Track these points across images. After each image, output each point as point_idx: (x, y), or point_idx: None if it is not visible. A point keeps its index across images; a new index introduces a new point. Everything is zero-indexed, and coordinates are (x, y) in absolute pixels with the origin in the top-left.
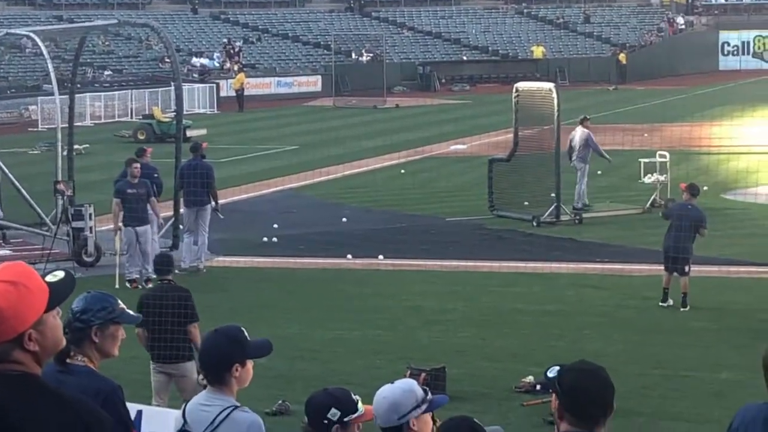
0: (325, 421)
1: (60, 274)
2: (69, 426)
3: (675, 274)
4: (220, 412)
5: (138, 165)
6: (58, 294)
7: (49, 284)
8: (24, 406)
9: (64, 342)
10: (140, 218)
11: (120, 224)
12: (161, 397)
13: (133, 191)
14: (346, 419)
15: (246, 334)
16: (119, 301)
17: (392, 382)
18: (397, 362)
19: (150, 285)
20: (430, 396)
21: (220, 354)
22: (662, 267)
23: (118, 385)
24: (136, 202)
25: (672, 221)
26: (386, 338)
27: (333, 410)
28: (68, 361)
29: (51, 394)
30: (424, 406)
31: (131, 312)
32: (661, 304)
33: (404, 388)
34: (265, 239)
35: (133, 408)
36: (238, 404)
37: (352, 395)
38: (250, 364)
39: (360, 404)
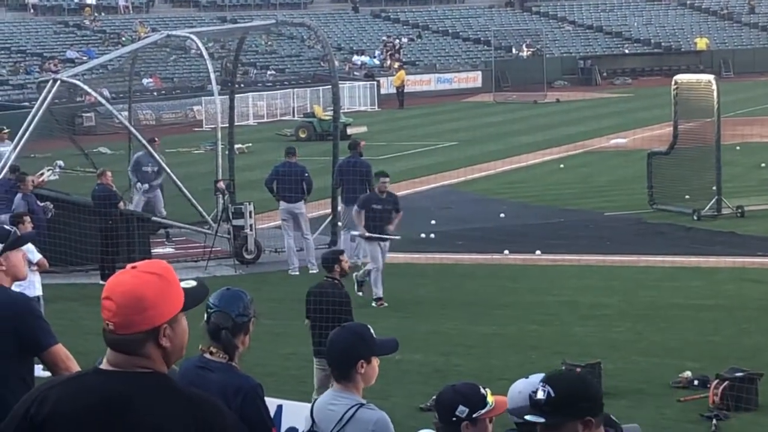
0: (454, 419)
1: (193, 282)
2: (188, 422)
3: None
4: (347, 411)
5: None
6: (191, 298)
7: (184, 289)
8: (151, 404)
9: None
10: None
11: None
12: (323, 392)
13: None
14: (474, 415)
15: (372, 331)
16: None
17: (526, 377)
18: (552, 357)
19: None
20: None
21: (346, 350)
22: None
23: (258, 383)
24: None
25: None
26: (541, 333)
27: (461, 407)
28: (208, 357)
29: (178, 393)
30: None
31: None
32: None
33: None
34: (423, 235)
35: (273, 403)
36: (364, 401)
37: (481, 389)
38: (375, 361)
39: (489, 397)
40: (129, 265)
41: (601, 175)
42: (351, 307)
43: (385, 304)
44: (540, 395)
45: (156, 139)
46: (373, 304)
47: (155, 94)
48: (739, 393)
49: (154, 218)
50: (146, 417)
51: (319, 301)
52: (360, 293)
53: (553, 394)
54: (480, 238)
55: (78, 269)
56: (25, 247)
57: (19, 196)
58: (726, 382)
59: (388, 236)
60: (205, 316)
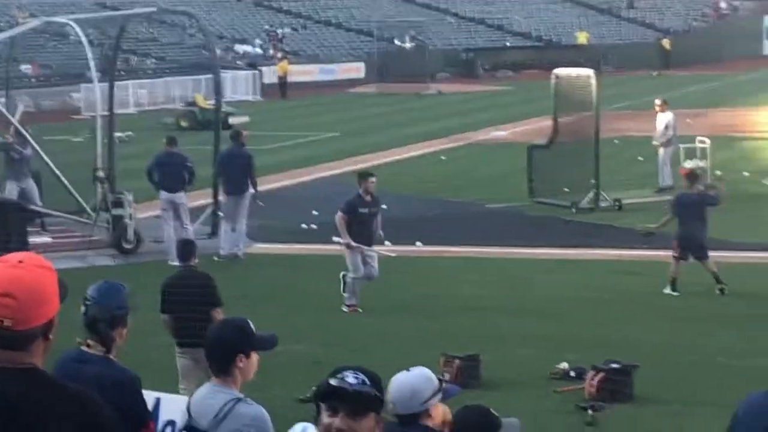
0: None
1: None
2: (70, 417)
3: (698, 261)
4: (224, 405)
5: None
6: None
7: None
8: (39, 401)
9: None
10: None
11: None
12: (188, 381)
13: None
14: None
15: (252, 326)
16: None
17: (408, 370)
18: (433, 350)
19: None
20: (444, 385)
21: (225, 344)
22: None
23: (135, 375)
24: None
25: (681, 214)
26: (422, 325)
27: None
28: (85, 350)
29: (60, 388)
30: (440, 395)
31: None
32: (673, 293)
33: (425, 374)
34: (304, 226)
35: (151, 396)
36: (242, 396)
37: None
38: (255, 356)
39: None
40: (13, 259)
41: (483, 168)
42: (216, 287)
43: (360, 311)
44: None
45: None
46: (344, 308)
47: (33, 80)
48: (615, 385)
49: (31, 207)
50: (35, 415)
51: (179, 291)
52: (359, 310)
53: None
54: None
55: None
56: None
57: None
58: (602, 374)
59: (380, 250)
60: (83, 308)
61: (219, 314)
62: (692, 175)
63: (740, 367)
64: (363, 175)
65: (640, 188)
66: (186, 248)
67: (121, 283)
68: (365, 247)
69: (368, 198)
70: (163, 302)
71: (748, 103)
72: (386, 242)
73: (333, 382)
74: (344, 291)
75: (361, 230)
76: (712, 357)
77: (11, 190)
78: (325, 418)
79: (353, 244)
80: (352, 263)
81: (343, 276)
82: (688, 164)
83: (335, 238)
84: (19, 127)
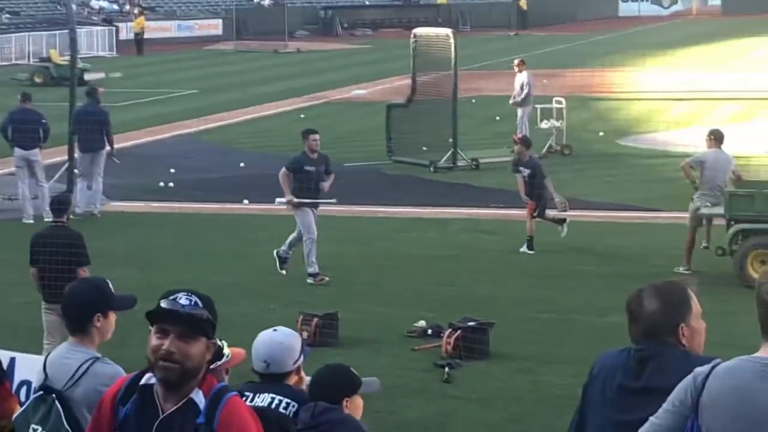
0: None
1: None
2: None
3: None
4: (82, 365)
5: None
6: None
7: None
8: None
9: None
10: None
11: None
12: (53, 336)
13: None
14: (211, 366)
15: (111, 285)
16: None
17: (274, 330)
18: (291, 307)
19: None
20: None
21: (83, 302)
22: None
23: None
24: None
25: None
26: (280, 282)
27: None
28: None
29: None
30: (305, 353)
31: None
32: (529, 251)
33: (293, 333)
34: (162, 184)
35: (6, 355)
36: (100, 355)
37: (217, 341)
38: (112, 315)
39: (226, 349)
40: None
41: (342, 126)
42: (85, 245)
43: (327, 279)
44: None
45: None
46: (310, 280)
47: None
48: (471, 343)
49: None
50: None
51: (48, 244)
52: (283, 271)
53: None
54: (220, 188)
55: None
56: None
57: None
58: (459, 332)
59: (324, 201)
60: None
61: (85, 273)
62: (525, 140)
63: (594, 324)
64: (306, 132)
65: (497, 148)
66: (60, 204)
67: None
68: (308, 201)
69: (314, 156)
70: (31, 255)
71: (604, 64)
72: (245, 200)
73: (164, 304)
74: (282, 268)
75: (307, 187)
76: (567, 314)
77: None
78: (154, 341)
79: (296, 200)
80: (303, 223)
81: (278, 252)
82: (544, 124)
83: (278, 199)
84: None
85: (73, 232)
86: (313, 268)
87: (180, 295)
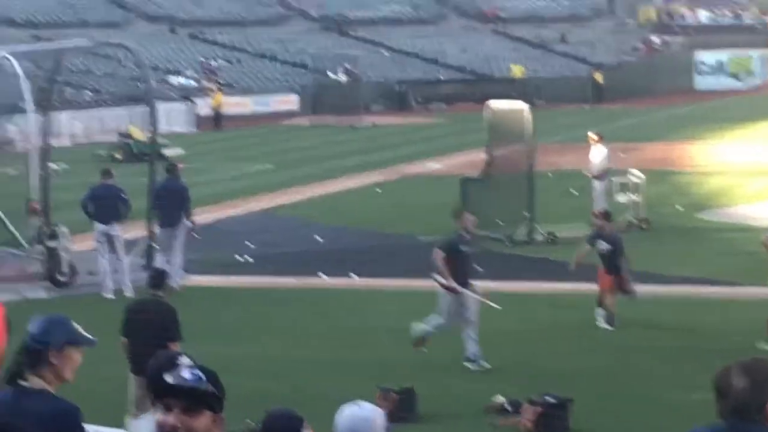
0: None
1: None
2: None
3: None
4: None
5: None
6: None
7: None
8: None
9: None
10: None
11: None
12: (141, 409)
13: None
14: None
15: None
16: (76, 325)
17: (357, 405)
18: (369, 382)
19: None
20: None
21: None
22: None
23: (75, 407)
24: None
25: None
26: (358, 358)
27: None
28: (24, 384)
29: None
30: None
31: (88, 335)
32: (608, 327)
33: (378, 409)
34: (239, 258)
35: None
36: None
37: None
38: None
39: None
40: None
41: (417, 200)
42: (177, 320)
43: (487, 366)
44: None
45: None
46: (469, 365)
47: None
48: (550, 419)
49: None
50: None
51: (141, 317)
52: (424, 349)
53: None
54: (296, 262)
55: None
56: None
57: None
58: (538, 407)
59: (483, 299)
60: (24, 342)
61: (176, 348)
62: (606, 215)
63: (677, 401)
64: (460, 210)
65: (574, 221)
66: (155, 277)
67: (63, 315)
68: (468, 292)
69: (468, 235)
70: (123, 325)
71: (681, 137)
72: (321, 274)
73: (168, 378)
74: (421, 346)
75: (462, 270)
76: (647, 390)
77: None
78: (160, 416)
79: (459, 289)
80: (444, 308)
81: (417, 331)
82: (621, 198)
83: (436, 277)
84: None
85: (167, 306)
86: (471, 353)
87: (183, 369)
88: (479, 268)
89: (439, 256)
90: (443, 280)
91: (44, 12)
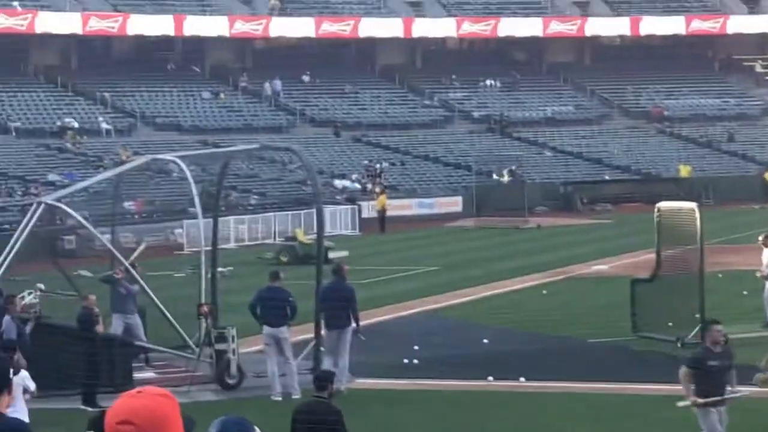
0: None
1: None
2: None
3: None
4: None
5: None
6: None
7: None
8: None
9: None
10: None
11: None
12: None
13: None
14: None
15: None
16: (255, 428)
17: None
18: None
19: None
20: None
21: None
22: None
23: None
24: None
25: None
26: None
27: None
28: None
29: None
30: None
31: None
32: None
33: None
34: (406, 361)
35: None
36: None
37: None
38: None
39: None
40: (133, 390)
41: (584, 302)
42: (343, 423)
43: None
44: None
45: (136, 264)
46: None
47: (137, 217)
48: None
49: (136, 342)
50: None
51: (307, 419)
52: None
53: None
54: (463, 364)
55: (58, 394)
56: (21, 375)
57: (7, 318)
58: None
59: (731, 396)
60: None
61: None
62: None
63: None
64: (708, 323)
65: (746, 323)
66: (322, 379)
67: (244, 418)
68: (716, 399)
69: (717, 349)
70: (291, 428)
71: None
72: (489, 377)
73: None
74: None
75: (714, 385)
76: None
77: (117, 326)
78: None
79: (699, 400)
80: (705, 424)
81: None
82: None
83: (679, 404)
84: (128, 266)
85: (333, 408)
86: None
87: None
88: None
89: (684, 373)
90: (687, 399)
91: (210, 118)
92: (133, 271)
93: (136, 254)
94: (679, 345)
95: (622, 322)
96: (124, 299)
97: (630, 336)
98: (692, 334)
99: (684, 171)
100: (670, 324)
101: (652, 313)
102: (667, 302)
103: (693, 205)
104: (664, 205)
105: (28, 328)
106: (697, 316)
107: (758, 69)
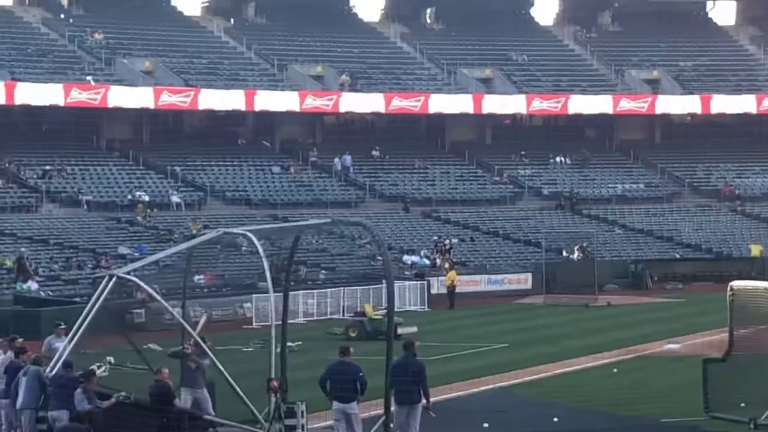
0: None
1: None
2: None
3: None
4: None
5: None
6: None
7: None
8: None
9: None
10: None
11: None
12: None
13: None
14: None
15: None
16: None
17: None
18: None
19: None
20: None
21: None
22: None
23: None
24: None
25: None
26: None
27: None
28: None
29: None
30: None
31: None
32: None
33: None
34: None
35: None
36: None
37: None
38: None
39: None
40: None
41: (656, 381)
42: None
43: None
44: None
45: (206, 339)
46: None
47: (206, 290)
48: None
49: (206, 416)
50: None
51: None
52: None
53: None
54: None
55: None
56: None
57: (79, 391)
58: None
59: None
60: None
61: None
62: None
63: None
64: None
65: None
66: None
67: None
68: None
69: None
70: None
71: None
72: None
73: None
74: None
75: None
76: None
77: (186, 399)
78: None
79: None
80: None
81: None
82: None
83: None
84: (198, 339)
85: None
86: None
87: None
88: None
89: None
90: None
91: (280, 192)
92: (204, 345)
93: (199, 327)
94: (751, 426)
95: (695, 402)
96: (194, 373)
97: (703, 416)
98: (765, 414)
99: (755, 250)
100: (743, 405)
101: (725, 393)
102: (740, 382)
103: (766, 284)
104: (737, 284)
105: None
106: None
107: None
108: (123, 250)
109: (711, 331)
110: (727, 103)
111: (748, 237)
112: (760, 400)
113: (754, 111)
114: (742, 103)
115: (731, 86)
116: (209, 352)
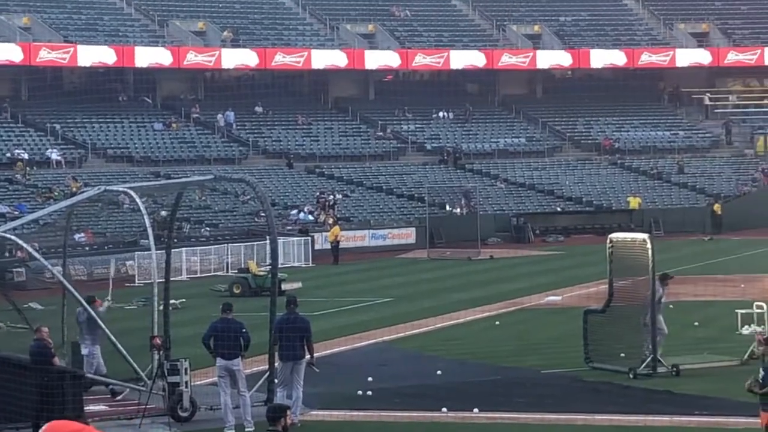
0: None
1: None
2: None
3: None
4: None
5: None
6: None
7: None
8: None
9: None
10: None
11: None
12: None
13: None
14: None
15: None
16: None
17: None
18: None
19: None
20: None
21: None
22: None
23: None
24: None
25: None
26: None
27: None
28: None
29: None
30: None
31: None
32: None
33: None
34: (360, 393)
35: None
36: None
37: None
38: None
39: None
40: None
41: (537, 333)
42: None
43: None
44: None
45: (96, 299)
46: None
47: (87, 248)
48: None
49: (87, 374)
50: None
51: None
52: None
53: None
54: (417, 395)
55: (9, 426)
56: None
57: None
58: None
59: None
60: None
61: None
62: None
63: None
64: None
65: (697, 353)
66: (275, 411)
67: None
68: None
69: None
70: None
71: None
72: (443, 408)
73: None
74: None
75: None
76: None
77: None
78: None
79: None
80: None
81: None
82: (745, 330)
83: None
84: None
85: None
86: None
87: None
88: None
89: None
90: None
91: (162, 149)
92: (84, 304)
93: (102, 309)
94: (631, 376)
95: (575, 353)
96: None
97: (583, 367)
98: (644, 364)
99: (633, 202)
100: (622, 354)
101: (605, 343)
102: (619, 333)
103: (645, 236)
104: (616, 236)
105: None
106: (650, 346)
107: (707, 102)
108: (2, 208)
109: (591, 283)
110: (605, 58)
111: (627, 189)
112: (638, 350)
113: (632, 65)
114: (621, 58)
115: (610, 41)
116: (90, 311)
